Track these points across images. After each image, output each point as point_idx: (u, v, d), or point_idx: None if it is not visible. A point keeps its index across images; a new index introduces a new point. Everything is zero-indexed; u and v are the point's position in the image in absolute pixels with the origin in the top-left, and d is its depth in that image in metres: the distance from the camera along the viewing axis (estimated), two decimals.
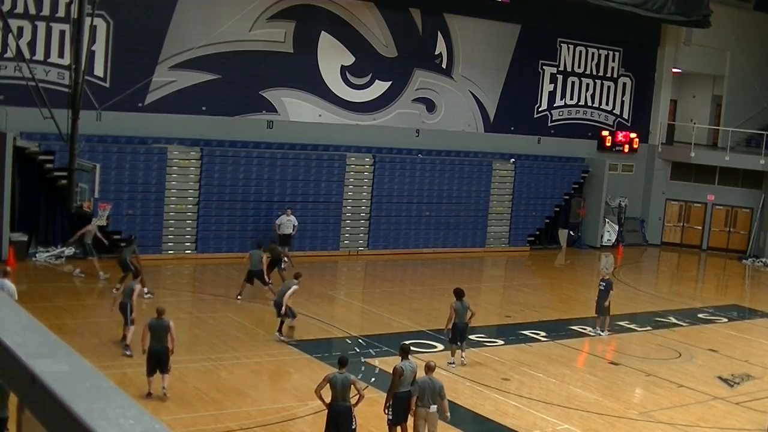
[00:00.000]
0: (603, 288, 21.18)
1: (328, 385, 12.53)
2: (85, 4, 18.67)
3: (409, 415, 13.11)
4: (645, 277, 32.60)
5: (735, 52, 37.04)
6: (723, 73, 37.72)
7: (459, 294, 17.77)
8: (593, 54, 35.00)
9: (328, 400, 12.59)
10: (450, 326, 17.54)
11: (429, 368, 13.32)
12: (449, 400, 13.51)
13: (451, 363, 17.63)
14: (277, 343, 18.11)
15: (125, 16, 25.23)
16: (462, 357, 17.77)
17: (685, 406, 16.43)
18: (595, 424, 14.99)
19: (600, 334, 21.17)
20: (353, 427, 12.57)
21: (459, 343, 17.69)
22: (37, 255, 23.89)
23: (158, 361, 14.38)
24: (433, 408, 12.95)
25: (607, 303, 21.00)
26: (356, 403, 12.61)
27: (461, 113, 31.96)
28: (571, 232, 34.49)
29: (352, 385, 12.55)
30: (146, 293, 19.60)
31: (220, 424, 13.63)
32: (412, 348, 14.71)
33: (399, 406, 12.99)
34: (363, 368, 16.79)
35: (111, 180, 24.36)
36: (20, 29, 23.38)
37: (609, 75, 35.57)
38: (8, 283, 15.15)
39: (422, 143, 30.98)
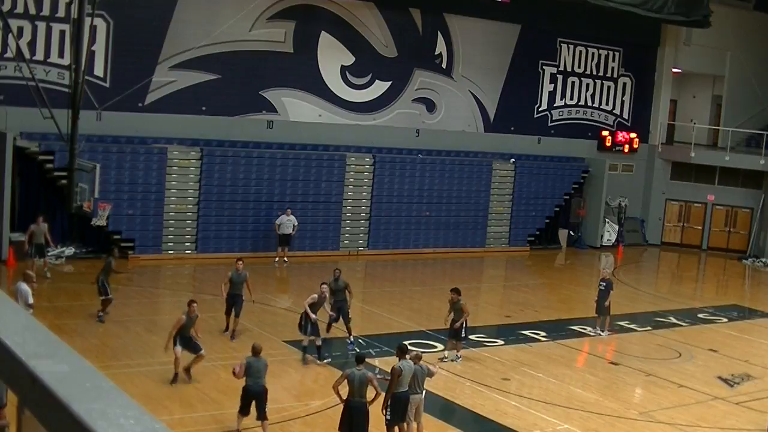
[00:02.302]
0: (603, 288, 21.20)
1: (345, 381, 12.61)
2: (85, 4, 18.64)
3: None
4: (645, 277, 32.58)
5: (735, 52, 37.01)
6: (723, 73, 37.69)
7: (459, 293, 18.18)
8: (593, 54, 34.99)
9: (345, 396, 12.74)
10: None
11: (418, 357, 13.68)
12: (448, 400, 13.52)
13: (453, 360, 17.91)
14: (277, 343, 18.08)
15: (125, 16, 25.24)
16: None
17: (685, 406, 16.43)
18: (595, 424, 14.98)
19: (600, 334, 21.17)
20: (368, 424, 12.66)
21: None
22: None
23: (256, 400, 13.26)
24: (422, 395, 13.35)
25: (607, 303, 21.01)
26: (372, 401, 12.67)
27: (461, 113, 31.95)
28: (571, 232, 34.48)
29: (369, 383, 12.64)
30: (100, 315, 18.58)
31: (220, 424, 13.63)
32: (411, 348, 14.77)
33: (397, 406, 13.01)
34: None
35: (111, 180, 24.35)
36: (20, 29, 23.38)
37: (609, 75, 35.56)
38: (24, 286, 15.11)
39: (422, 143, 30.97)
